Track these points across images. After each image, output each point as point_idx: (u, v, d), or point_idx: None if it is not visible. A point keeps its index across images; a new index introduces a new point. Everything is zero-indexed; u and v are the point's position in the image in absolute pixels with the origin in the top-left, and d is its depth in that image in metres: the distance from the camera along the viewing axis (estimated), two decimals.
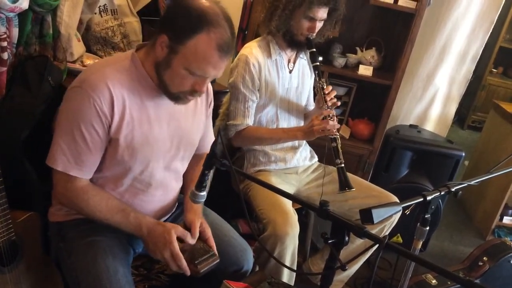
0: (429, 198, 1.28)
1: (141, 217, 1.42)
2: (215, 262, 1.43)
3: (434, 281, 2.23)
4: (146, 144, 1.41)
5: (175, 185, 1.61)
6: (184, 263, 1.36)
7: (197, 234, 1.47)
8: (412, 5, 2.57)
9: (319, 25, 1.96)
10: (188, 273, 1.38)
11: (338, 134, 1.91)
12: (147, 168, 1.46)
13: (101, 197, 1.40)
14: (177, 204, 1.68)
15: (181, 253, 1.37)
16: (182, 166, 1.60)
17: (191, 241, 1.42)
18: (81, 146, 1.33)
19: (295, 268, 1.98)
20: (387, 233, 2.08)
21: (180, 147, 1.53)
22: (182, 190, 1.67)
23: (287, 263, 1.82)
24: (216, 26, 1.27)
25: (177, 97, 1.39)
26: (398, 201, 2.02)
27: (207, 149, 1.72)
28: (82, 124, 1.32)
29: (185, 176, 1.66)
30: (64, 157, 1.34)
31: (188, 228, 1.49)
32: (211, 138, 1.74)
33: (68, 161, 1.34)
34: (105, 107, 1.32)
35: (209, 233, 1.50)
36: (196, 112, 1.58)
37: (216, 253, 1.46)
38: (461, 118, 5.80)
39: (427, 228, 1.39)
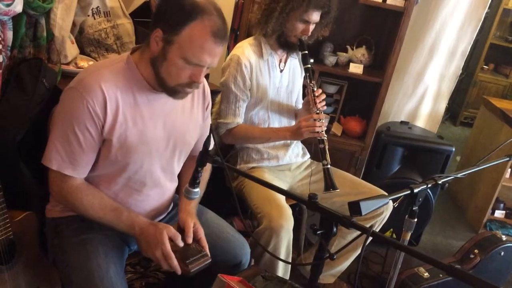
0: (416, 190, 1.32)
1: (134, 217, 1.43)
2: (206, 262, 1.44)
3: (426, 274, 2.27)
4: (140, 145, 1.43)
5: (170, 186, 1.62)
6: (174, 262, 1.38)
7: (191, 235, 1.48)
8: (401, 3, 2.61)
9: (312, 27, 1.99)
10: (179, 272, 1.39)
11: (325, 136, 1.94)
12: (142, 168, 1.48)
13: (94, 196, 1.42)
14: (172, 204, 1.70)
15: (173, 252, 1.38)
16: (177, 166, 1.62)
17: (181, 243, 1.43)
18: (75, 146, 1.36)
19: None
20: (377, 229, 2.11)
21: (175, 147, 1.55)
22: (178, 191, 1.68)
23: (282, 257, 1.84)
24: (209, 14, 1.30)
25: (176, 91, 1.40)
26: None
27: None
28: (76, 125, 1.34)
29: (180, 177, 1.68)
30: (58, 156, 1.36)
31: (182, 228, 1.51)
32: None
33: (63, 160, 1.37)
34: (98, 108, 1.34)
35: (201, 233, 1.51)
36: (192, 112, 1.60)
37: (208, 253, 1.47)
38: (453, 114, 5.85)
39: (415, 220, 1.42)
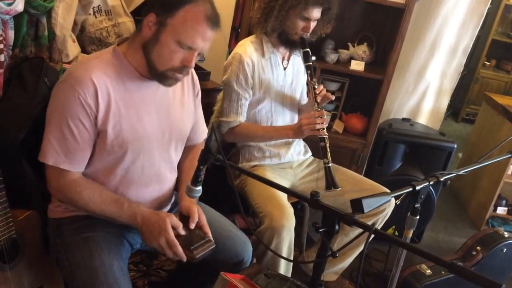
0: (418, 188, 1.32)
1: (135, 207, 1.44)
2: (210, 248, 1.45)
3: (428, 271, 2.27)
4: (136, 134, 1.44)
5: (170, 176, 1.62)
6: (179, 249, 1.38)
7: (197, 219, 1.49)
8: (402, 0, 2.60)
9: (313, 24, 1.99)
10: (185, 259, 1.40)
11: (326, 134, 1.94)
12: (139, 159, 1.48)
13: (94, 189, 1.43)
14: (174, 198, 1.70)
15: (177, 240, 1.39)
16: (175, 156, 1.63)
17: (182, 232, 1.44)
18: (70, 140, 1.37)
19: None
20: (380, 226, 2.11)
21: (171, 137, 1.55)
22: (176, 187, 1.68)
23: (284, 255, 1.85)
24: (203, 1, 1.35)
25: (166, 76, 1.40)
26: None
27: (199, 140, 1.75)
28: (69, 118, 1.35)
29: (179, 168, 1.68)
30: (54, 151, 1.37)
31: (184, 216, 1.51)
32: (202, 129, 1.76)
33: (58, 155, 1.37)
34: (90, 99, 1.35)
35: (204, 220, 1.52)
36: (183, 101, 1.60)
37: (212, 239, 1.48)
38: (455, 111, 5.85)
39: (417, 217, 1.42)
